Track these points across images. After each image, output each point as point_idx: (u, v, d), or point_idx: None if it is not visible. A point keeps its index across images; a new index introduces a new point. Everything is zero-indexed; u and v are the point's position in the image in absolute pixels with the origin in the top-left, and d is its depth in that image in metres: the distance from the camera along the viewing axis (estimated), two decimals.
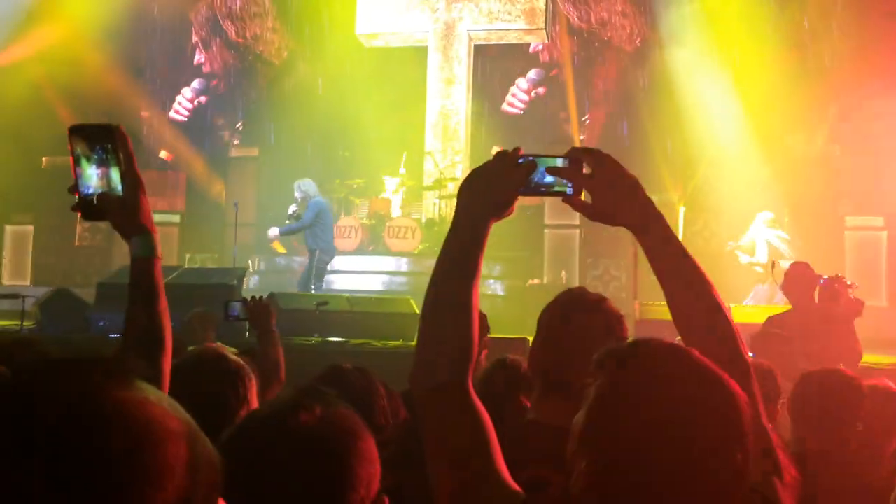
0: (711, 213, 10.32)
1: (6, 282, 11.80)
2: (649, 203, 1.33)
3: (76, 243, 12.57)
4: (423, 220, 11.01)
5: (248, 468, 1.04)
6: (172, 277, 8.54)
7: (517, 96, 13.27)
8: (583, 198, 1.37)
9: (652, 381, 1.03)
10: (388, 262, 10.53)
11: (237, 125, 13.83)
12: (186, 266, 10.73)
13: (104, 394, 0.62)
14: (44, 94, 12.37)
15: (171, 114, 13.95)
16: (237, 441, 1.08)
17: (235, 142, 13.54)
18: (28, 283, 11.43)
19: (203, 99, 13.95)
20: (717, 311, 1.30)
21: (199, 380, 1.79)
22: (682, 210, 10.43)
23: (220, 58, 14.05)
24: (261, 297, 3.52)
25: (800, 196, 10.37)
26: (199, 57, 13.99)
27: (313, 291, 8.90)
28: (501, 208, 1.33)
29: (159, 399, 0.65)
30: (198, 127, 13.85)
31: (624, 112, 12.84)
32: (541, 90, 13.22)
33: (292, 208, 9.58)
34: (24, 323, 7.76)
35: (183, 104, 14.00)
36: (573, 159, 1.35)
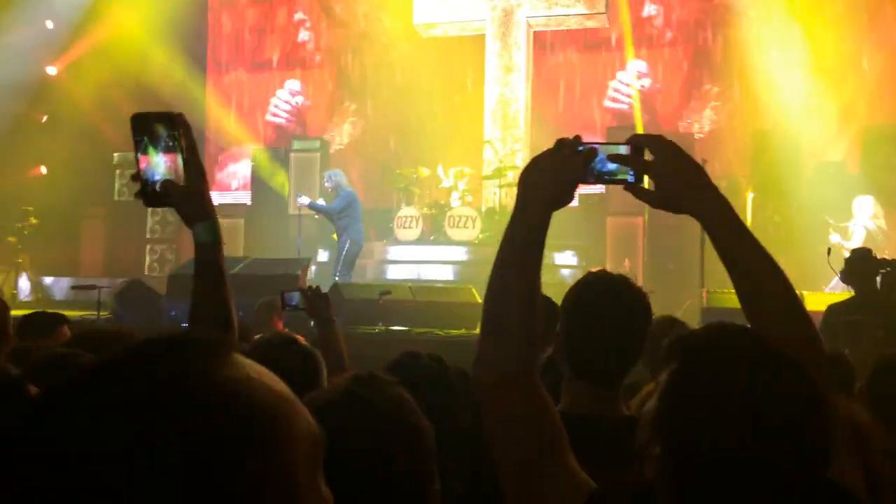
0: (782, 199, 9.99)
1: (83, 274, 12.26)
2: (714, 190, 1.30)
3: (147, 235, 12.96)
4: (483, 209, 10.99)
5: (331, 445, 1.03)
6: (239, 268, 8.75)
7: (621, 91, 12.88)
8: (646, 185, 1.34)
9: (725, 364, 1.02)
10: (449, 252, 10.56)
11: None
12: (253, 257, 10.95)
13: (211, 373, 0.62)
14: (111, 91, 12.75)
15: (269, 117, 14.23)
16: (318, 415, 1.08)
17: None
18: (103, 274, 11.85)
19: (299, 100, 14.13)
20: (786, 297, 1.27)
21: (269, 364, 1.81)
22: (750, 195, 10.14)
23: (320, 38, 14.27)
24: (318, 287, 3.56)
25: (884, 181, 9.88)
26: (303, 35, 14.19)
27: (337, 280, 9.02)
28: (562, 197, 1.32)
29: (260, 374, 0.66)
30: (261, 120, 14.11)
31: None
32: (646, 82, 12.76)
33: (303, 199, 9.92)
34: (101, 313, 8.05)
35: (280, 106, 14.23)
36: (634, 146, 1.32)
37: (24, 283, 11.59)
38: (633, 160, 1.32)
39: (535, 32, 11.93)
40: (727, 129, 12.15)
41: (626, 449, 1.65)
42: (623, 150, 1.33)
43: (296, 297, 3.52)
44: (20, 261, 11.58)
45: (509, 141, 11.53)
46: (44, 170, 13.82)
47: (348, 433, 1.04)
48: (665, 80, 12.77)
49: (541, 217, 1.31)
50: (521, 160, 11.46)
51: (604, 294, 1.79)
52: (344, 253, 9.51)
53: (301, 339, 2.04)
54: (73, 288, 10.33)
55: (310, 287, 3.56)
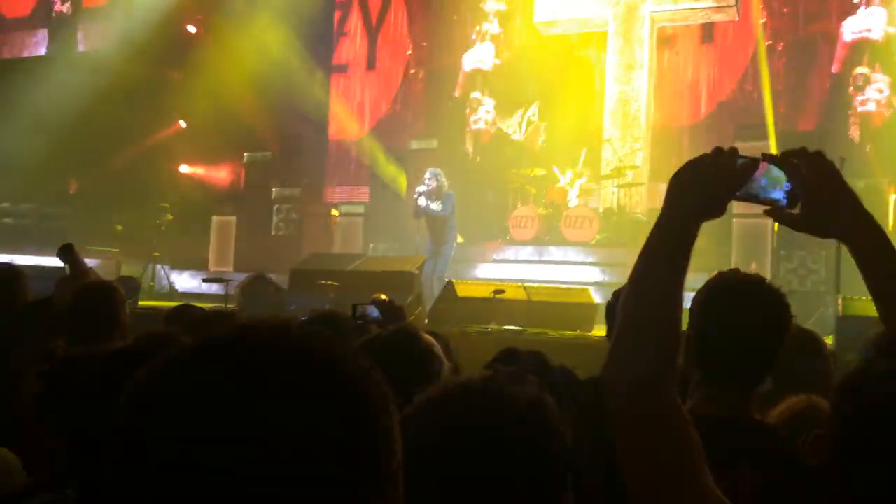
0: None
1: (212, 268, 12.91)
2: (866, 215, 1.20)
3: (272, 233, 13.50)
4: (601, 210, 10.79)
5: (460, 438, 1.00)
6: (354, 265, 8.97)
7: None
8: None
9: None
10: (565, 252, 10.43)
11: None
12: (369, 255, 11.20)
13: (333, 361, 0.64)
14: (240, 93, 13.34)
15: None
16: (446, 409, 1.04)
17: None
18: (231, 269, 12.45)
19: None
20: None
21: (391, 357, 1.80)
22: (893, 198, 9.45)
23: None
24: (391, 300, 3.56)
25: None
26: None
27: (445, 278, 8.96)
28: (713, 210, 1.23)
29: (370, 366, 0.67)
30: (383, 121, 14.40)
31: None
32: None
33: (420, 189, 9.36)
34: (228, 305, 8.45)
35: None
36: (788, 162, 1.21)
37: (160, 276, 12.31)
38: (796, 179, 1.19)
39: (657, 28, 11.60)
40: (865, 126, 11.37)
41: (756, 453, 1.59)
42: (776, 171, 1.20)
43: (373, 310, 3.48)
44: (156, 254, 12.32)
45: (629, 140, 11.26)
46: (183, 124, 14.55)
47: (483, 430, 1.01)
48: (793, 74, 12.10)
49: (686, 228, 1.22)
50: (641, 160, 11.18)
51: (741, 293, 1.72)
52: (452, 253, 9.50)
53: (423, 333, 2.03)
54: (204, 281, 10.91)
55: (385, 300, 3.55)
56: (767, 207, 1.22)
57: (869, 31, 11.37)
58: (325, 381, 0.61)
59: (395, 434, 0.64)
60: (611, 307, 1.93)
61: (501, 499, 0.97)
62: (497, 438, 1.00)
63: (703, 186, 1.21)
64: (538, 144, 12.90)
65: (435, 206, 9.29)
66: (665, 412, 1.13)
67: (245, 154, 13.85)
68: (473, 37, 13.64)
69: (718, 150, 1.23)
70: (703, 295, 1.76)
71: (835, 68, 11.68)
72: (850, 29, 11.52)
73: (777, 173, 1.21)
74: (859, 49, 11.47)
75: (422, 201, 9.26)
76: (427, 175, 9.49)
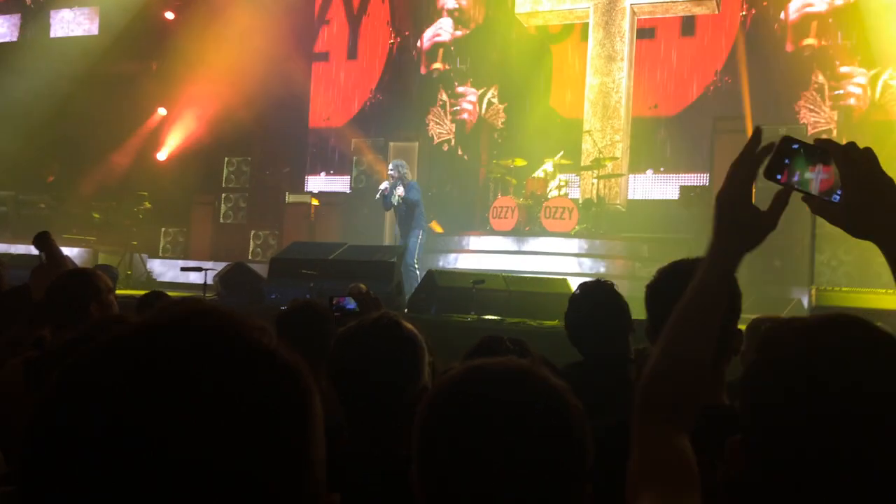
0: None
1: (192, 257, 12.83)
2: None
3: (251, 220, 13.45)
4: (581, 201, 10.85)
5: (481, 423, 1.00)
6: (336, 254, 8.96)
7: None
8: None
9: (812, 353, 0.97)
10: (545, 243, 10.48)
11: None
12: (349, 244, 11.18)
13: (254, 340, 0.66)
14: (219, 82, 13.23)
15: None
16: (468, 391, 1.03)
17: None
18: (209, 258, 12.39)
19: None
20: None
21: (376, 343, 1.81)
22: None
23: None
24: (368, 290, 3.57)
25: None
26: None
27: (417, 270, 9.06)
28: (754, 237, 1.16)
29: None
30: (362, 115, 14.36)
31: None
32: None
33: (385, 185, 9.62)
34: (206, 294, 8.41)
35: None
36: (823, 152, 1.15)
37: (138, 264, 12.22)
38: (839, 164, 1.13)
39: (638, 20, 11.65)
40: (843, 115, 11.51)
41: (722, 438, 1.62)
42: (804, 158, 1.15)
43: (350, 301, 3.49)
44: (135, 243, 12.22)
45: (609, 131, 11.32)
46: (162, 111, 14.40)
47: (506, 417, 1.01)
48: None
49: (736, 258, 1.18)
50: (621, 151, 11.24)
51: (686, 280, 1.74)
52: (421, 241, 9.60)
53: (404, 321, 2.04)
54: (183, 269, 10.84)
55: (363, 291, 3.55)
56: (809, 198, 1.16)
57: (811, 5, 11.70)
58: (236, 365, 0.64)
59: (311, 412, 0.66)
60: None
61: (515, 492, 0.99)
62: (539, 424, 1.02)
63: (746, 202, 1.15)
64: (499, 126, 13.06)
65: (398, 196, 9.54)
66: (682, 437, 1.15)
67: (226, 159, 13.83)
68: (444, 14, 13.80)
69: (751, 142, 1.15)
70: (663, 282, 1.82)
71: (788, 48, 11.90)
72: (794, 7, 11.80)
73: (807, 160, 1.16)
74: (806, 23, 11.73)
75: (387, 193, 9.55)
76: (390, 167, 9.82)
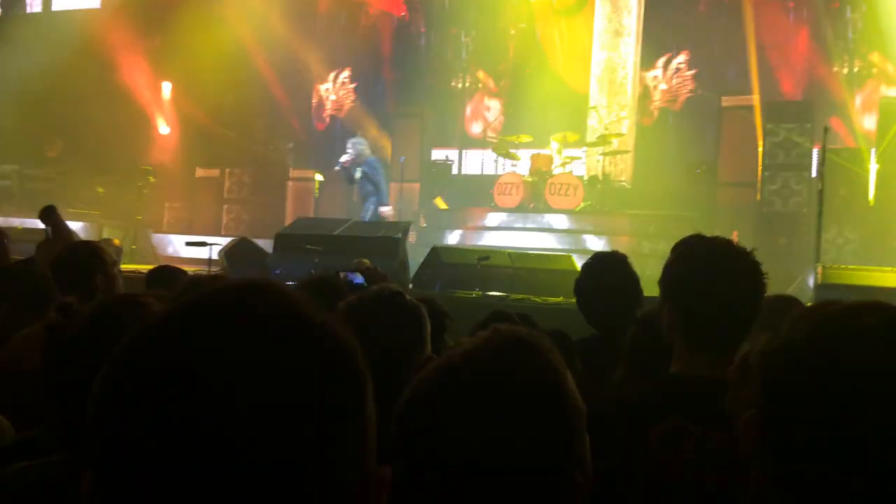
0: None
1: (196, 231, 12.84)
2: None
3: (224, 195, 13.44)
4: (586, 178, 10.81)
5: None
6: (340, 230, 8.95)
7: None
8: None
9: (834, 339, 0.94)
10: (550, 219, 10.46)
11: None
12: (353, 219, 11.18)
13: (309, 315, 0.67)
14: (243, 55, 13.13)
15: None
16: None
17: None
18: (216, 232, 12.39)
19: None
20: None
21: (380, 314, 1.82)
22: (873, 167, 9.52)
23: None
24: (375, 267, 3.60)
25: None
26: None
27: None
28: None
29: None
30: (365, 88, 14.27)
31: None
32: None
33: (345, 158, 9.89)
34: (211, 269, 8.42)
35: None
36: None
37: (143, 239, 12.24)
38: None
39: None
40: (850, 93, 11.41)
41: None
42: None
43: (357, 276, 3.53)
44: (139, 217, 12.23)
45: (615, 108, 11.25)
46: (166, 88, 14.33)
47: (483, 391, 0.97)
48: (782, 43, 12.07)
49: None
50: (627, 128, 11.18)
51: (723, 264, 1.74)
52: (371, 216, 9.83)
53: (407, 293, 2.05)
54: (188, 244, 10.85)
55: (369, 266, 3.58)
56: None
57: None
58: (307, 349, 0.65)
59: (368, 392, 0.69)
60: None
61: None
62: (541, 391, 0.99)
63: None
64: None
65: (358, 173, 9.82)
66: None
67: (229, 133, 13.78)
68: None
69: None
70: (682, 266, 1.77)
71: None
72: None
73: None
74: None
75: (347, 165, 9.86)
76: (348, 145, 10.05)
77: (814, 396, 0.92)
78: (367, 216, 9.85)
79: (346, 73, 14.33)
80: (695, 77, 11.87)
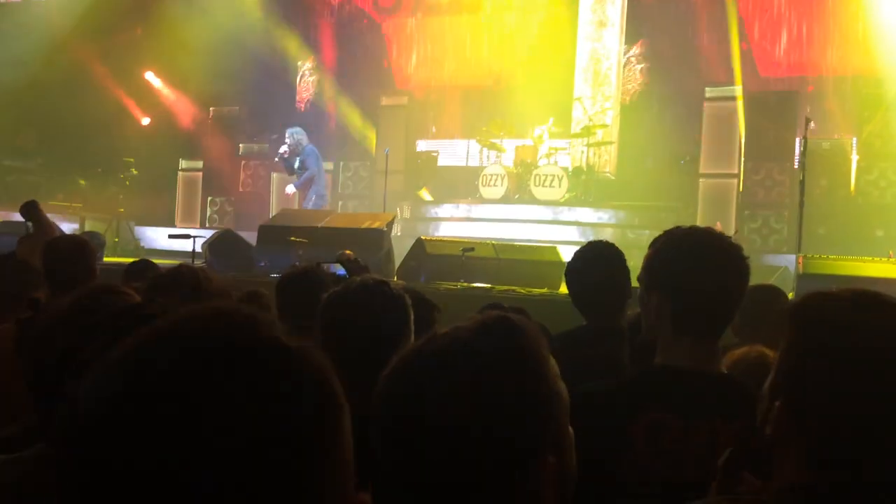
0: (889, 162, 9.41)
1: (178, 224, 12.75)
2: None
3: (240, 189, 13.35)
4: (570, 169, 10.82)
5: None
6: (326, 221, 8.92)
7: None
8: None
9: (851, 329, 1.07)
10: (534, 211, 10.47)
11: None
12: (339, 211, 11.15)
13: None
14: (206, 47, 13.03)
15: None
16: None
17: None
18: (198, 225, 12.30)
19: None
20: None
21: (364, 302, 1.82)
22: (854, 157, 9.60)
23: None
24: (357, 258, 3.60)
25: None
26: None
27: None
28: None
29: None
30: (349, 74, 14.19)
31: None
32: None
33: (283, 148, 10.12)
34: (195, 262, 8.37)
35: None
36: None
37: (125, 231, 12.14)
38: None
39: None
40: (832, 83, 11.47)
41: (723, 404, 1.64)
42: None
43: (339, 268, 3.53)
44: (121, 210, 12.12)
45: (599, 99, 11.26)
46: (150, 76, 14.18)
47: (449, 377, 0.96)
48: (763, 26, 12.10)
49: None
50: (611, 119, 11.19)
51: (710, 253, 1.74)
52: (309, 206, 10.03)
53: (392, 282, 2.05)
54: (171, 237, 10.77)
55: (351, 257, 3.59)
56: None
57: None
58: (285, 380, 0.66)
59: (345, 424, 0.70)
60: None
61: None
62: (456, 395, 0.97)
63: None
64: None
65: (297, 162, 10.09)
66: None
67: (211, 109, 13.59)
68: None
69: None
70: (668, 254, 1.77)
71: None
72: None
73: None
74: None
75: (286, 155, 10.12)
76: (286, 135, 10.33)
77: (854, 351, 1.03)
78: (310, 205, 10.02)
79: (329, 63, 14.26)
80: (669, 68, 11.84)
